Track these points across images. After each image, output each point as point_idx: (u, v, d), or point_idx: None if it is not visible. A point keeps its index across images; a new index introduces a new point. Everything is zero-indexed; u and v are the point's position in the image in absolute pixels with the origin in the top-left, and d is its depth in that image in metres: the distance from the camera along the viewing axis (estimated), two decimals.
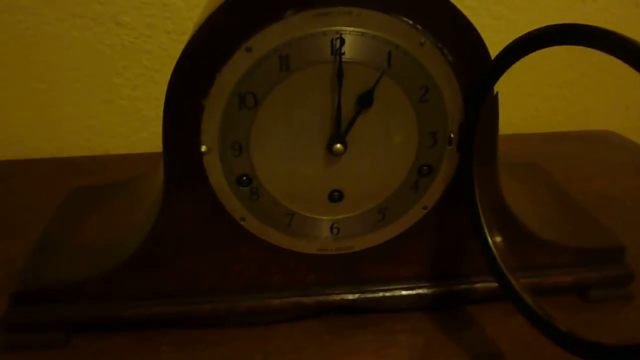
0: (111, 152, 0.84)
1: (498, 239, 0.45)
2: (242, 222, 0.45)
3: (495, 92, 0.42)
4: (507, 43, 0.84)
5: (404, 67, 0.41)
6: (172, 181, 0.43)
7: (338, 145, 0.42)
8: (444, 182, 0.46)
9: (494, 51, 0.86)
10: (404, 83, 0.41)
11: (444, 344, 0.47)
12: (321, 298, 0.48)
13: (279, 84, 0.40)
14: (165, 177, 0.43)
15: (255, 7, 0.38)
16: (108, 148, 0.83)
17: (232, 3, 0.38)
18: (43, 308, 0.46)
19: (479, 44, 0.41)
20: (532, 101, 0.89)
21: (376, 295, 0.49)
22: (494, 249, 0.44)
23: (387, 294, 0.49)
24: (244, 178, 0.43)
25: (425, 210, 0.47)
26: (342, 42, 0.39)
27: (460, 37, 0.41)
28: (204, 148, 0.42)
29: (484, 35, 0.83)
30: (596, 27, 0.32)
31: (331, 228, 0.46)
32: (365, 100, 0.41)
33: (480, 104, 0.42)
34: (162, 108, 0.82)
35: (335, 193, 0.45)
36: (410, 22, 0.40)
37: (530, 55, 0.40)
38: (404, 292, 0.49)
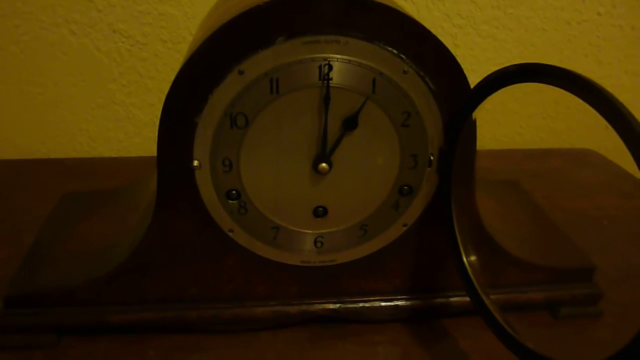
0: (105, 156, 0.85)
1: (473, 257, 0.47)
2: (230, 234, 0.47)
3: (473, 118, 0.44)
4: (494, 60, 0.87)
5: (387, 94, 0.43)
6: (164, 193, 0.45)
7: (323, 165, 0.44)
8: (424, 202, 0.48)
9: (481, 68, 0.88)
10: (388, 108, 0.43)
11: (421, 356, 0.48)
12: (304, 308, 0.50)
13: (269, 105, 0.42)
14: (158, 189, 0.45)
15: (248, 33, 0.40)
16: (102, 151, 0.85)
17: (227, 28, 0.40)
18: (34, 311, 0.47)
19: (459, 74, 0.43)
20: (516, 118, 0.91)
21: (356, 306, 0.51)
22: (468, 267, 0.46)
23: (367, 305, 0.51)
24: (233, 192, 0.45)
25: (405, 228, 0.49)
26: (330, 68, 0.41)
27: (442, 66, 0.43)
28: (195, 163, 0.44)
29: (471, 53, 0.86)
30: (569, 71, 0.34)
31: (315, 242, 0.48)
32: (350, 124, 0.43)
33: (459, 130, 0.44)
34: (155, 114, 0.84)
35: (320, 209, 0.47)
36: (395, 51, 0.42)
37: None
38: (383, 304, 0.51)
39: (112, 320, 0.48)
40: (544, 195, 0.72)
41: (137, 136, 0.84)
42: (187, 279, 0.48)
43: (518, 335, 0.43)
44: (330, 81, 0.42)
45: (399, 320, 0.52)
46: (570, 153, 0.90)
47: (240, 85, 0.41)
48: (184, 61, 0.41)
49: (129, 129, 0.83)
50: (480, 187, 0.49)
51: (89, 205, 0.59)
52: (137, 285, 0.48)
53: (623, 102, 0.33)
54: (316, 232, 0.48)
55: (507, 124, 0.91)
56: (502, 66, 0.79)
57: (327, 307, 0.50)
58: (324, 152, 0.44)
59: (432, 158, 0.46)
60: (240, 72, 0.41)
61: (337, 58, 0.41)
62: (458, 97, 0.44)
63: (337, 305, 0.50)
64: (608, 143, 0.92)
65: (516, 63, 0.40)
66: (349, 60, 0.42)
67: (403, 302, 0.51)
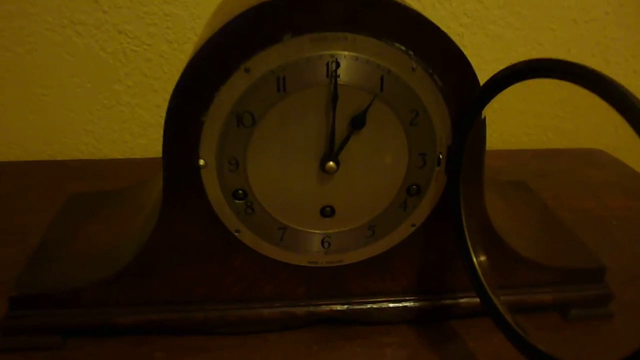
0: (110, 157, 0.85)
1: (482, 257, 0.46)
2: (236, 234, 0.46)
3: (483, 117, 0.44)
4: (501, 60, 0.87)
5: (395, 92, 0.43)
6: (170, 193, 0.45)
7: (331, 164, 0.44)
8: (432, 202, 0.47)
9: (488, 68, 0.88)
10: (395, 106, 0.43)
11: (429, 358, 0.48)
12: (311, 309, 0.50)
13: (275, 104, 0.42)
14: (164, 189, 0.44)
15: (254, 30, 0.40)
16: (107, 153, 0.84)
17: (233, 26, 0.39)
18: (40, 312, 0.47)
19: (469, 71, 0.43)
20: (523, 118, 0.91)
21: (364, 307, 0.50)
22: (477, 267, 0.46)
23: (375, 306, 0.50)
24: (240, 192, 0.45)
25: (414, 228, 0.48)
26: (337, 65, 0.41)
27: (451, 64, 0.42)
28: (202, 162, 0.43)
29: (479, 53, 0.86)
30: (581, 65, 0.34)
31: (322, 242, 0.48)
32: (358, 122, 0.43)
33: (468, 128, 0.44)
34: (161, 115, 0.83)
35: (327, 209, 0.46)
36: (403, 48, 0.42)
37: None
38: (391, 305, 0.50)
39: (118, 322, 0.48)
40: (552, 195, 0.72)
41: (143, 137, 0.84)
42: (193, 279, 0.48)
43: (528, 337, 0.42)
44: (338, 79, 0.41)
45: (407, 321, 0.51)
46: (578, 153, 0.89)
47: (247, 83, 0.41)
48: (189, 59, 0.41)
49: (134, 130, 0.83)
50: (488, 187, 0.48)
51: (95, 206, 0.59)
52: (143, 287, 0.48)
53: None
54: (323, 232, 0.47)
55: (514, 123, 0.91)
56: None
57: (335, 309, 0.50)
58: (332, 151, 0.44)
59: (440, 157, 0.45)
60: (247, 70, 0.41)
61: (345, 55, 0.41)
62: (467, 94, 0.43)
63: (345, 306, 0.50)
64: (617, 143, 0.92)
65: (524, 60, 0.39)
66: (357, 57, 0.41)
67: (411, 303, 0.51)
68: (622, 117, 0.31)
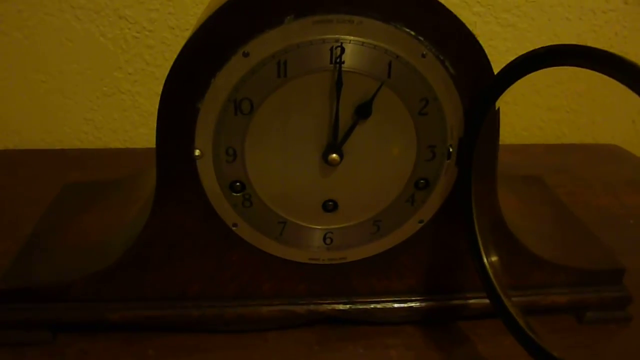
0: (110, 146, 0.83)
1: (494, 257, 0.44)
2: (234, 229, 0.44)
3: (497, 107, 0.41)
4: (514, 51, 0.84)
5: (404, 79, 0.40)
6: (165, 184, 0.43)
7: (334, 155, 0.42)
8: (441, 197, 0.45)
9: (500, 59, 0.85)
10: (404, 95, 0.41)
11: None
12: (312, 307, 0.48)
13: (276, 90, 0.40)
14: (158, 180, 0.43)
15: (254, 11, 0.38)
16: (107, 142, 0.83)
17: (231, 6, 0.37)
18: (30, 306, 0.46)
19: (482, 58, 0.40)
20: (538, 111, 0.88)
21: (368, 307, 0.48)
22: (488, 267, 0.43)
23: (379, 306, 0.49)
24: (237, 184, 0.43)
25: (421, 224, 0.46)
26: (342, 50, 0.39)
27: (463, 50, 0.40)
28: (197, 152, 0.41)
29: (492, 43, 0.83)
30: (605, 51, 0.31)
31: (324, 238, 0.46)
32: (363, 111, 0.41)
33: (481, 119, 0.41)
34: None
35: (330, 203, 0.44)
36: (413, 33, 0.39)
37: None
38: (396, 305, 0.49)
39: (110, 318, 0.46)
40: (566, 192, 0.69)
41: (144, 126, 0.82)
42: (189, 275, 0.46)
43: (541, 340, 0.40)
44: (343, 64, 0.39)
45: (413, 322, 0.49)
46: (593, 148, 0.87)
47: (245, 68, 0.39)
48: (185, 42, 0.39)
49: (135, 118, 0.81)
50: (500, 183, 0.46)
51: (90, 196, 0.57)
52: (136, 282, 0.46)
53: None
54: (326, 227, 0.45)
55: (528, 117, 0.88)
56: None
57: (337, 308, 0.48)
58: (335, 142, 0.41)
59: (451, 149, 0.43)
60: (245, 54, 0.38)
61: (350, 39, 0.39)
62: (480, 83, 0.41)
63: (348, 305, 0.48)
64: (634, 138, 0.89)
65: (542, 46, 0.37)
66: (363, 42, 0.39)
67: (418, 303, 0.49)
68: None
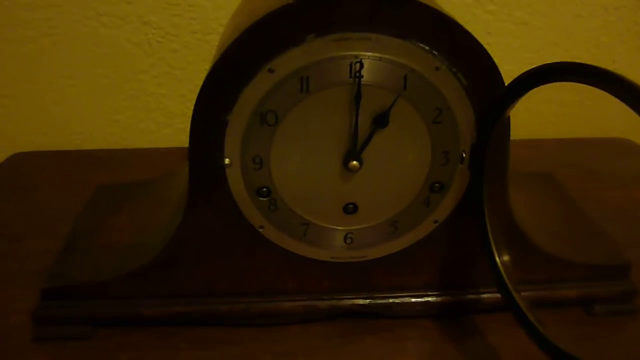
0: (136, 146, 0.86)
1: (505, 254, 0.46)
2: (260, 230, 0.47)
3: (507, 116, 0.43)
4: (528, 48, 0.85)
5: (419, 90, 0.42)
6: (196, 190, 0.45)
7: (354, 162, 0.44)
8: (455, 198, 0.47)
9: (515, 56, 0.86)
10: (419, 105, 0.43)
11: (450, 352, 0.48)
12: (333, 303, 0.50)
13: (299, 103, 0.42)
14: (189, 186, 0.45)
15: (278, 31, 0.40)
16: (133, 142, 0.85)
17: (256, 27, 0.40)
18: (71, 303, 0.49)
19: (493, 70, 0.43)
20: (549, 106, 0.89)
21: (386, 301, 0.51)
22: (500, 264, 0.46)
23: (397, 300, 0.51)
24: (264, 190, 0.45)
25: (436, 224, 0.48)
26: (361, 65, 0.41)
27: (475, 62, 0.42)
28: (227, 161, 0.44)
29: (505, 41, 0.84)
30: (608, 71, 0.33)
31: (345, 238, 0.48)
32: (381, 121, 0.43)
33: (492, 127, 0.43)
34: (186, 105, 0.84)
35: (350, 206, 0.47)
36: (427, 48, 0.41)
37: None
38: (413, 300, 0.51)
39: (145, 313, 0.49)
40: (578, 186, 0.70)
41: (168, 127, 0.85)
42: (218, 273, 0.49)
43: (549, 335, 0.42)
44: (362, 79, 0.41)
45: (428, 316, 0.51)
46: (605, 143, 0.88)
47: (270, 83, 0.41)
48: (214, 60, 0.41)
49: (160, 119, 0.84)
50: (513, 181, 0.48)
51: (122, 198, 0.60)
52: (169, 279, 0.49)
53: None
54: (346, 228, 0.48)
55: (541, 112, 0.89)
56: (536, 54, 0.77)
57: (357, 302, 0.50)
58: (355, 150, 0.44)
59: (464, 155, 0.45)
60: (270, 71, 0.41)
61: (368, 55, 0.41)
62: (491, 93, 0.43)
63: (367, 300, 0.50)
64: None
65: (549, 62, 0.39)
66: (380, 58, 0.41)
67: (433, 298, 0.51)
68: None
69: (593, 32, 0.84)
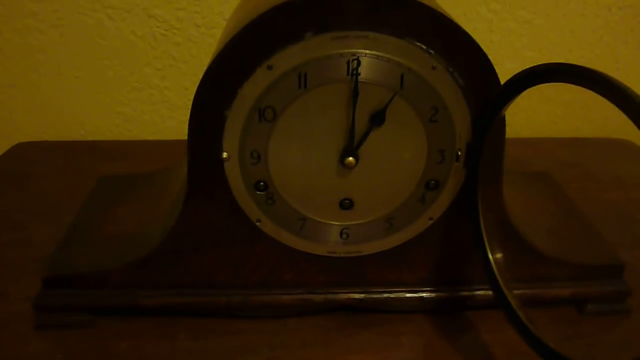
0: (140, 138, 0.87)
1: (498, 252, 0.47)
2: (257, 224, 0.48)
3: (502, 115, 0.44)
4: (531, 47, 0.85)
5: (415, 89, 0.43)
6: (195, 183, 0.46)
7: (350, 159, 0.45)
8: (450, 196, 0.48)
9: (517, 55, 0.86)
10: (415, 103, 0.43)
11: (444, 347, 0.49)
12: (329, 296, 0.51)
13: (297, 99, 0.43)
14: (188, 179, 0.46)
15: (277, 28, 0.41)
16: (137, 134, 0.86)
17: (256, 24, 0.40)
18: (71, 292, 0.49)
19: (489, 69, 0.43)
20: (552, 106, 0.89)
21: (381, 296, 0.51)
22: (492, 262, 0.46)
23: (392, 296, 0.51)
24: (261, 184, 0.46)
25: (431, 221, 0.49)
26: (358, 63, 0.42)
27: (471, 62, 0.43)
28: (225, 155, 0.45)
29: (508, 39, 0.84)
30: (601, 74, 0.34)
31: (341, 233, 0.49)
32: (377, 118, 0.43)
33: (488, 126, 0.44)
34: (189, 97, 0.84)
35: (346, 201, 0.47)
36: (424, 47, 0.42)
37: None
38: (407, 295, 0.51)
39: (145, 303, 0.50)
40: (577, 186, 0.71)
41: (171, 119, 0.86)
42: (216, 265, 0.50)
43: (539, 333, 0.43)
44: (359, 76, 0.42)
45: (423, 311, 0.52)
46: (606, 143, 0.88)
47: (269, 79, 0.42)
48: (213, 56, 0.42)
49: (163, 112, 0.85)
50: (510, 180, 0.48)
51: (124, 189, 0.61)
52: (168, 270, 0.49)
53: None
54: (342, 223, 0.48)
55: (542, 111, 0.89)
56: (539, 53, 0.77)
57: (353, 297, 0.51)
58: (351, 146, 0.44)
59: (459, 153, 0.46)
60: (269, 67, 0.41)
61: (366, 53, 0.41)
62: (487, 92, 0.44)
63: (363, 295, 0.51)
64: None
65: (546, 62, 0.39)
66: (378, 56, 0.42)
67: (428, 294, 0.51)
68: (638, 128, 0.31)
69: (596, 32, 0.85)
